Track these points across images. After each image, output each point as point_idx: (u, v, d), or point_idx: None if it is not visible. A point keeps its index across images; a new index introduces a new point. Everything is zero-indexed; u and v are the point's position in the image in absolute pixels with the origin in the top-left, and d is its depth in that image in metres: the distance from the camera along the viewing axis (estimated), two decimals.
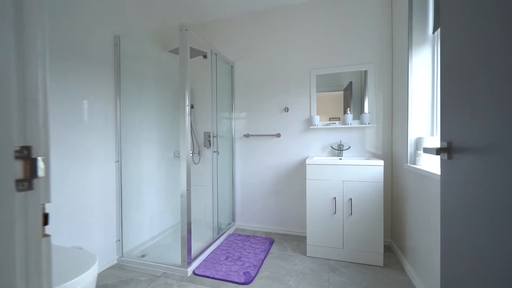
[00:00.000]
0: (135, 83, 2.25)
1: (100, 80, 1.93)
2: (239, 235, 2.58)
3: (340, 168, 2.02)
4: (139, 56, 2.31)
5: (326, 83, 2.51)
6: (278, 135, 2.64)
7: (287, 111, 2.61)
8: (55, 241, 1.63)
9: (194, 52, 2.60)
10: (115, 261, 2.03)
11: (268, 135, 2.67)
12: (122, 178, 2.08)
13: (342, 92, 2.50)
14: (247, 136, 2.76)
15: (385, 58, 2.32)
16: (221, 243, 2.40)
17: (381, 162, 1.92)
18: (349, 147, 2.37)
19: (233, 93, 2.80)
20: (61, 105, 1.64)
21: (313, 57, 2.52)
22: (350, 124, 2.34)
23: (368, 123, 2.29)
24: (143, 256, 2.11)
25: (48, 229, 0.48)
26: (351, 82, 2.46)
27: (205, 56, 2.93)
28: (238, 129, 2.82)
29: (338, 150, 2.37)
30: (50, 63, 1.57)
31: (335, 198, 2.02)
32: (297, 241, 2.43)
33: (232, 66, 2.79)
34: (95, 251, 1.86)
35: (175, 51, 2.51)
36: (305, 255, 2.13)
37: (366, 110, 2.37)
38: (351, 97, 2.45)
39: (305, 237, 2.48)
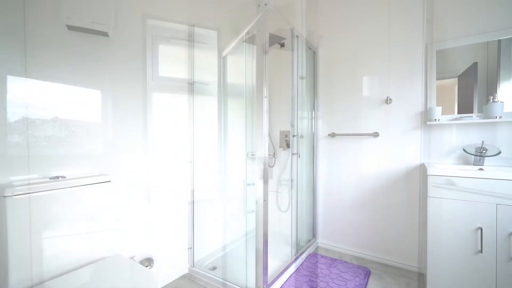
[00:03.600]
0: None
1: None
2: (322, 256, 2.11)
3: (490, 184, 1.31)
4: (212, 48, 2.12)
5: None
6: (376, 134, 2.04)
7: (389, 102, 1.99)
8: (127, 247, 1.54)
9: (271, 39, 2.27)
10: (186, 270, 1.88)
11: (362, 134, 2.10)
12: (194, 179, 1.92)
13: (456, 79, 1.74)
14: (332, 135, 2.25)
15: None
16: (301, 264, 1.98)
17: None
18: (499, 152, 1.58)
19: (315, 84, 2.35)
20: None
21: (431, 25, 1.83)
22: (500, 117, 1.56)
23: None
24: (214, 268, 1.90)
25: None
26: (475, 64, 1.67)
27: (282, 45, 2.58)
28: (321, 127, 2.34)
29: (478, 155, 1.61)
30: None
31: (480, 229, 1.33)
32: (405, 278, 1.78)
33: (314, 52, 2.34)
34: (166, 259, 1.73)
35: (250, 40, 2.25)
36: None
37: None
38: (476, 84, 1.66)
39: (415, 273, 1.82)
